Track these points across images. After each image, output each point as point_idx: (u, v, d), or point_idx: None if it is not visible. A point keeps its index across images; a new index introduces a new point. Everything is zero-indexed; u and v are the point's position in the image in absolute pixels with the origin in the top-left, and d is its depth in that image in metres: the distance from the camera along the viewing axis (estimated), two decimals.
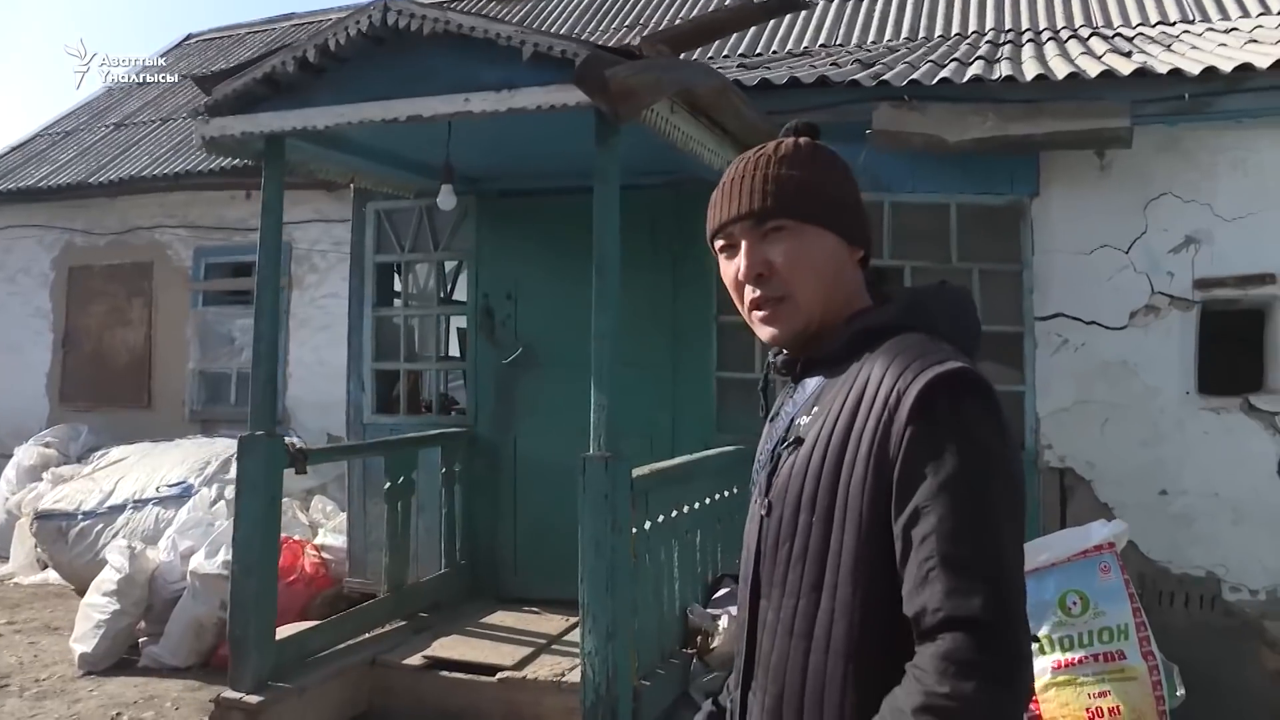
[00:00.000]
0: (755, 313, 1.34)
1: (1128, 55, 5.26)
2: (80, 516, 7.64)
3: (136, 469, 7.89)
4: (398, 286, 6.29)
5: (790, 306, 1.31)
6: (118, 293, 9.59)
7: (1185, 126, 4.80)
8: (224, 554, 5.84)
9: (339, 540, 6.19)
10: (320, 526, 6.73)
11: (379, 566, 5.58)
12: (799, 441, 1.26)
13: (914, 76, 5.01)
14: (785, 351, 1.39)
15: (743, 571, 1.38)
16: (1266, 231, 4.71)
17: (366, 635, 4.77)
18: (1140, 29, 6.51)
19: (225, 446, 7.94)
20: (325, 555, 6.09)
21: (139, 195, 9.39)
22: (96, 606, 5.91)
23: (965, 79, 4.94)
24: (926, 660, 1.05)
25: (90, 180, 9.45)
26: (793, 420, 1.33)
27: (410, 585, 5.14)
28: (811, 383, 1.34)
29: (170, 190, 9.18)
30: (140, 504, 7.55)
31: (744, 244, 1.33)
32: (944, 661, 1.03)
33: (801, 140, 1.38)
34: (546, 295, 5.50)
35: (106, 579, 5.98)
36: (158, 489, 7.52)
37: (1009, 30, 6.99)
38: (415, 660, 4.43)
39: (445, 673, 4.33)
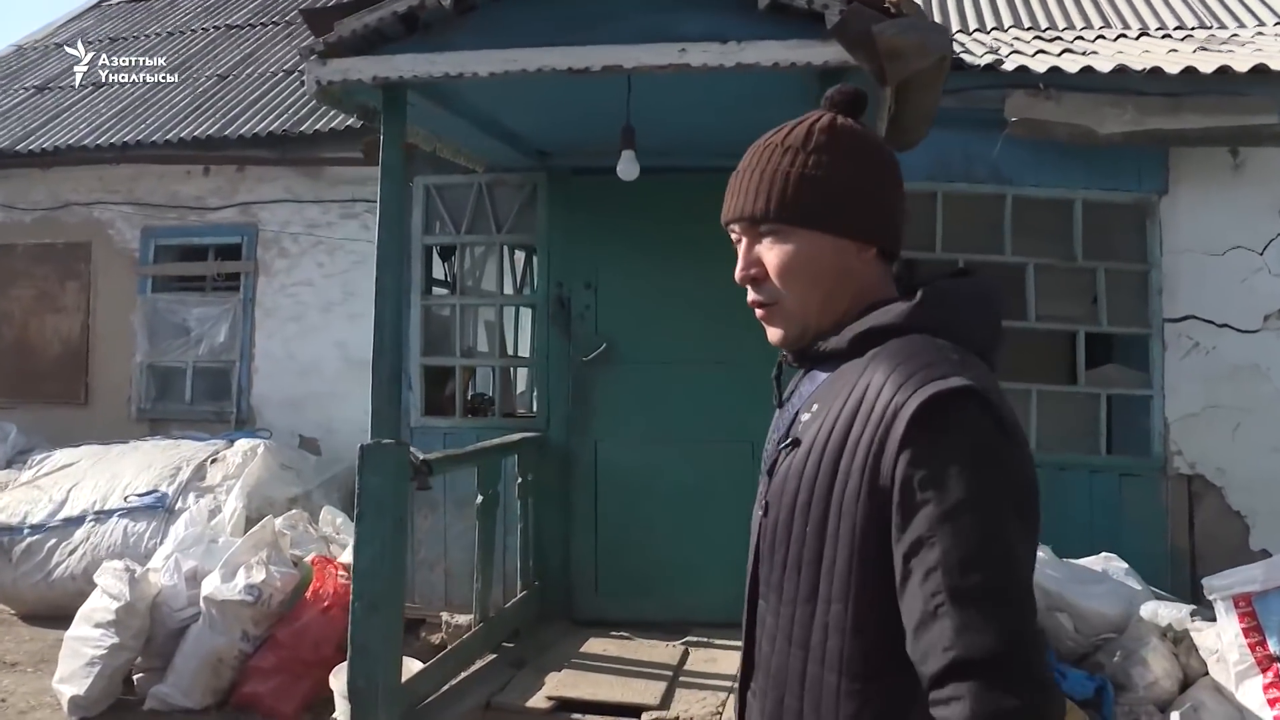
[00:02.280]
0: (756, 312, 1.32)
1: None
2: (26, 530, 6.68)
3: (91, 475, 6.96)
4: (436, 272, 5.63)
5: (782, 312, 1.28)
6: (47, 275, 8.49)
7: None
8: (243, 577, 5.11)
9: None
10: (333, 541, 5.99)
11: (431, 588, 4.97)
12: (797, 443, 1.22)
13: (1055, 64, 4.69)
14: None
15: (748, 565, 1.33)
16: None
17: (464, 674, 4.15)
18: (1258, 30, 6.36)
19: (193, 450, 7.10)
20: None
21: (74, 167, 8.35)
22: (87, 640, 5.08)
23: (1109, 69, 4.65)
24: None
25: (18, 149, 8.34)
26: (796, 415, 1.28)
27: (496, 613, 4.53)
28: (820, 375, 1.29)
29: (116, 162, 8.18)
30: (102, 515, 6.64)
31: (743, 243, 1.30)
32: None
33: (820, 123, 1.28)
34: (632, 286, 4.97)
35: (100, 608, 5.14)
36: (125, 499, 6.63)
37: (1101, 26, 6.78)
38: (539, 702, 3.86)
39: (580, 715, 3.77)
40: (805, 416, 1.24)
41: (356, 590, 3.49)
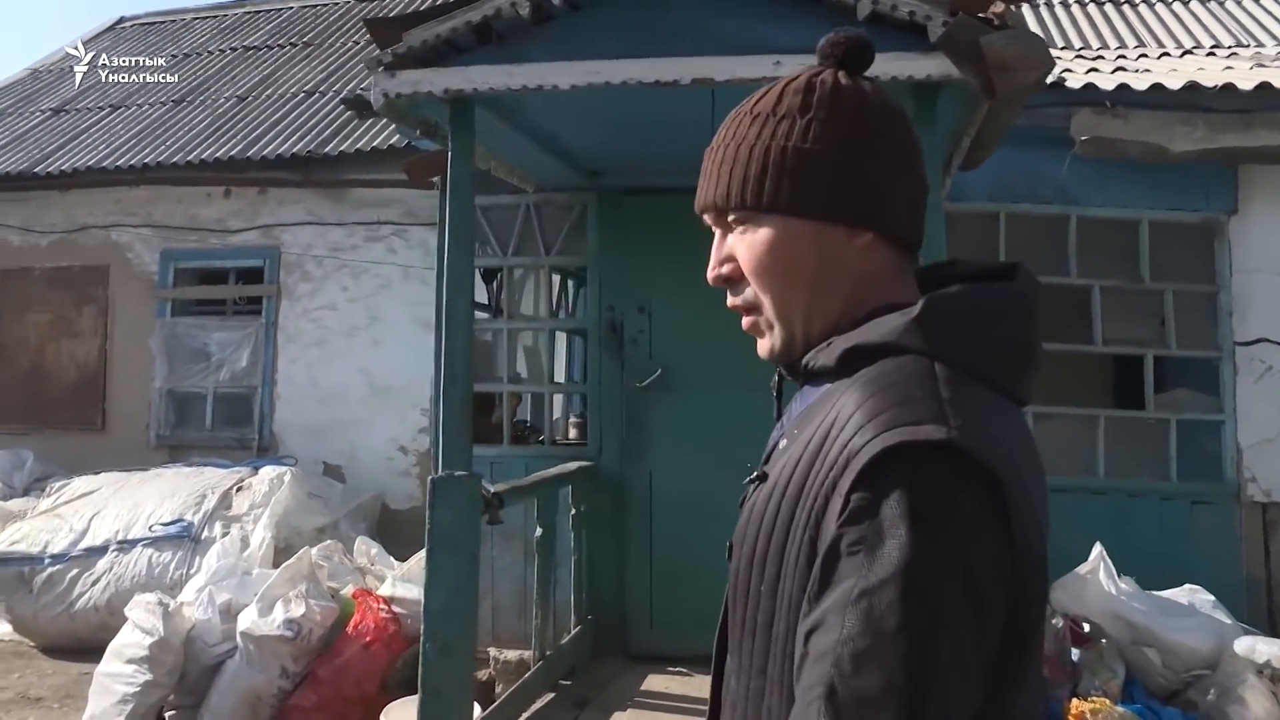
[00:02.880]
0: (743, 320, 1.07)
1: None
2: (47, 560, 6.50)
3: (114, 503, 6.78)
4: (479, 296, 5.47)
5: (764, 321, 1.04)
6: (63, 300, 8.34)
7: None
8: (280, 611, 4.93)
9: (412, 591, 5.31)
10: (369, 573, 5.81)
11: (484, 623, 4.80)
12: (764, 477, 1.00)
13: (1124, 80, 4.59)
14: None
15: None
16: None
17: (525, 715, 3.97)
18: None
19: (217, 477, 6.93)
20: (396, 609, 5.20)
21: (91, 189, 8.22)
22: (119, 677, 4.90)
23: (1179, 86, 4.55)
24: None
25: (35, 171, 8.19)
26: (777, 441, 1.06)
27: (553, 649, 4.36)
28: (813, 393, 1.03)
29: (135, 184, 8.05)
30: (126, 545, 6.46)
31: (717, 233, 1.07)
32: None
33: (796, 83, 1.03)
34: (687, 309, 4.81)
35: (132, 643, 4.95)
36: (150, 528, 6.45)
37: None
38: None
39: None
40: (782, 444, 1.03)
41: (429, 631, 3.32)
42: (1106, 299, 4.76)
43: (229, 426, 8.00)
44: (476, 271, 5.14)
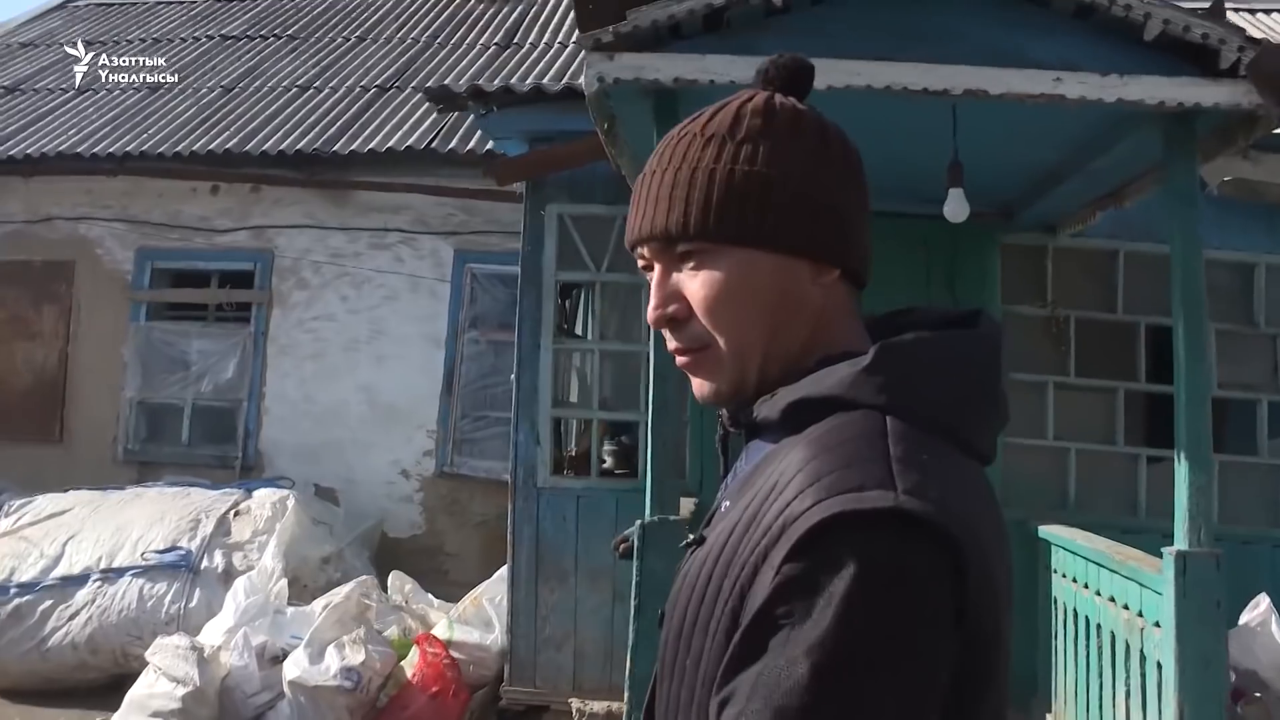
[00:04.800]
0: (678, 360, 0.96)
1: None
2: (14, 590, 5.77)
3: (91, 527, 6.08)
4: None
5: (713, 359, 0.93)
6: (20, 298, 7.54)
7: None
8: (335, 658, 4.40)
9: (473, 635, 4.82)
10: (406, 611, 5.28)
11: (558, 670, 4.40)
12: (702, 540, 0.94)
13: None
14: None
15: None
16: None
17: None
18: None
19: (207, 500, 6.29)
20: (455, 654, 4.70)
21: (59, 178, 7.48)
22: None
23: None
24: None
25: None
26: (722, 500, 0.99)
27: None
28: (760, 449, 0.94)
29: (113, 174, 7.34)
30: (111, 575, 5.78)
31: (656, 270, 0.95)
32: None
33: (754, 103, 0.95)
34: None
35: (161, 693, 4.36)
36: (142, 555, 5.76)
37: None
38: None
39: None
40: (724, 506, 0.96)
41: (634, 701, 2.90)
42: (1221, 342, 4.65)
43: (209, 443, 7.32)
44: (555, 285, 4.76)
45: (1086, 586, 3.63)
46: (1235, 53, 2.70)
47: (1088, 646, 3.65)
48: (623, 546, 3.33)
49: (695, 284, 0.92)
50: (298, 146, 7.21)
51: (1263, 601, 3.88)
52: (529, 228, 4.78)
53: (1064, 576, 3.93)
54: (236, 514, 6.17)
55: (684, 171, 0.92)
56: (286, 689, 4.37)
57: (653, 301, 0.95)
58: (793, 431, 0.87)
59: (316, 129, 7.53)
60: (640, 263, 0.99)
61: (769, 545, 0.78)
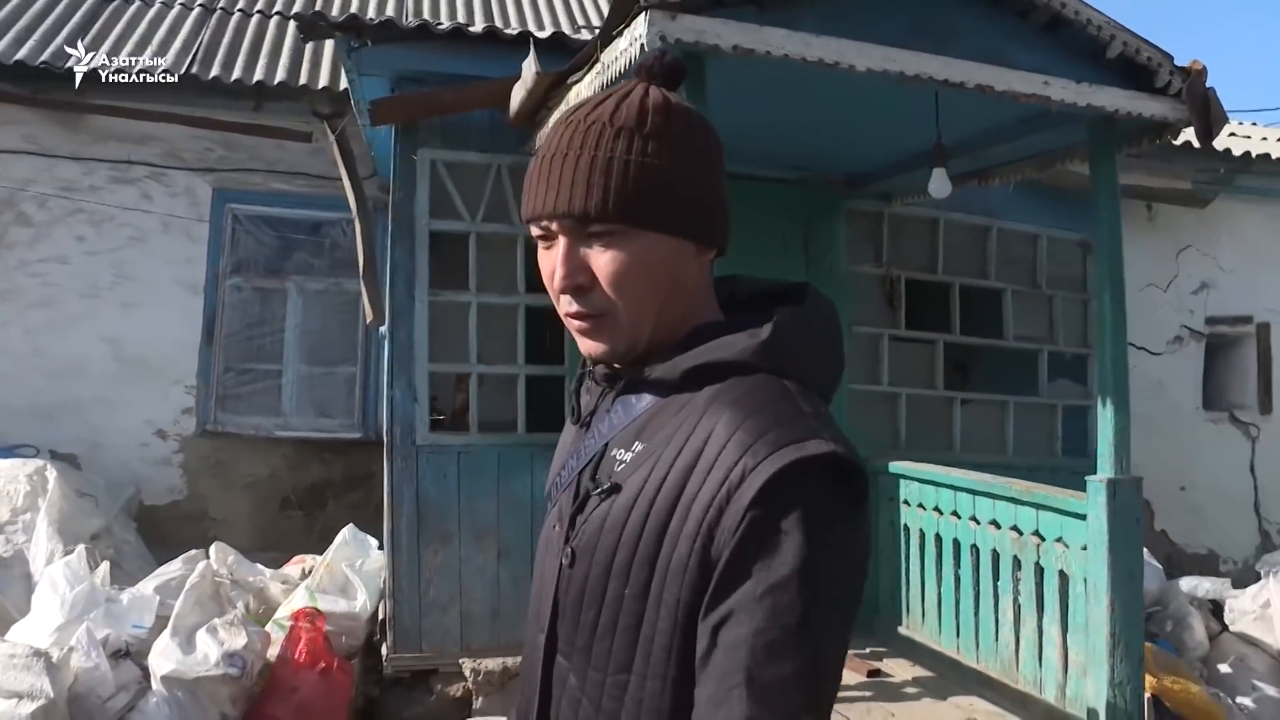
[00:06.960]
0: (572, 323, 1.11)
1: None
2: None
3: None
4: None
5: (611, 324, 1.09)
6: None
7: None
8: (212, 644, 4.00)
9: (339, 604, 4.55)
10: (239, 584, 4.84)
11: (444, 633, 4.37)
12: (617, 489, 1.07)
13: None
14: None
15: (533, 608, 1.19)
16: (1248, 284, 5.94)
17: None
18: None
19: None
20: (326, 626, 4.43)
21: None
22: None
23: None
24: None
25: None
26: (607, 447, 1.13)
27: None
28: (639, 402, 1.13)
29: None
30: None
31: (563, 243, 1.08)
32: None
33: (654, 100, 1.09)
34: None
35: (2, 714, 3.68)
36: None
37: None
38: None
39: None
40: (624, 456, 1.09)
41: None
42: (1018, 302, 5.45)
43: None
44: (427, 234, 4.58)
45: (956, 514, 4.17)
46: (1168, 75, 3.26)
47: (955, 567, 4.20)
48: None
49: (604, 260, 1.06)
50: (17, 56, 6.12)
51: None
52: (399, 173, 4.48)
53: (921, 507, 4.45)
54: None
55: (600, 159, 1.04)
56: (159, 685, 3.88)
57: (561, 271, 1.06)
58: (685, 390, 1.06)
59: (45, 36, 6.45)
60: (537, 232, 1.09)
61: (731, 491, 0.94)
